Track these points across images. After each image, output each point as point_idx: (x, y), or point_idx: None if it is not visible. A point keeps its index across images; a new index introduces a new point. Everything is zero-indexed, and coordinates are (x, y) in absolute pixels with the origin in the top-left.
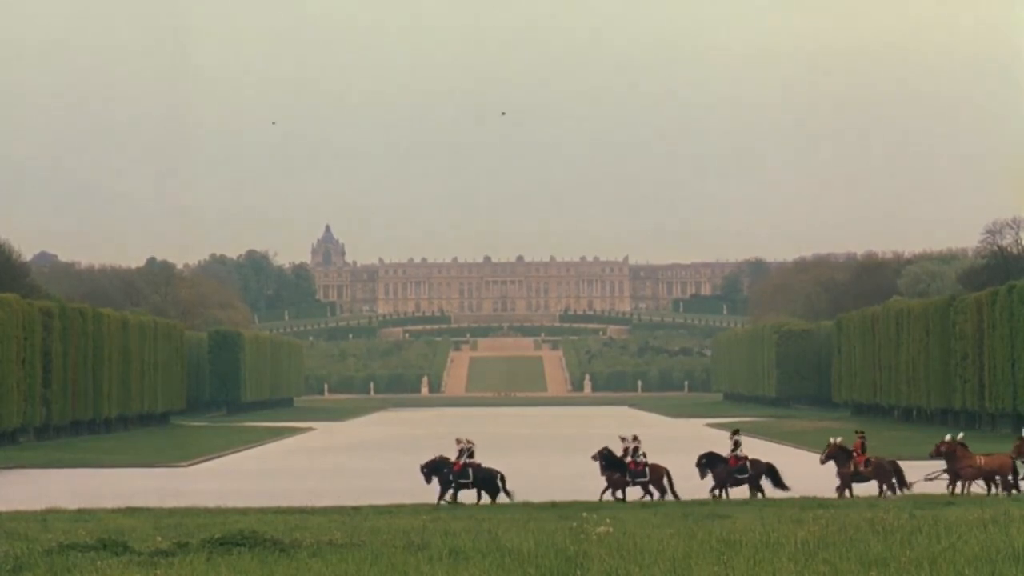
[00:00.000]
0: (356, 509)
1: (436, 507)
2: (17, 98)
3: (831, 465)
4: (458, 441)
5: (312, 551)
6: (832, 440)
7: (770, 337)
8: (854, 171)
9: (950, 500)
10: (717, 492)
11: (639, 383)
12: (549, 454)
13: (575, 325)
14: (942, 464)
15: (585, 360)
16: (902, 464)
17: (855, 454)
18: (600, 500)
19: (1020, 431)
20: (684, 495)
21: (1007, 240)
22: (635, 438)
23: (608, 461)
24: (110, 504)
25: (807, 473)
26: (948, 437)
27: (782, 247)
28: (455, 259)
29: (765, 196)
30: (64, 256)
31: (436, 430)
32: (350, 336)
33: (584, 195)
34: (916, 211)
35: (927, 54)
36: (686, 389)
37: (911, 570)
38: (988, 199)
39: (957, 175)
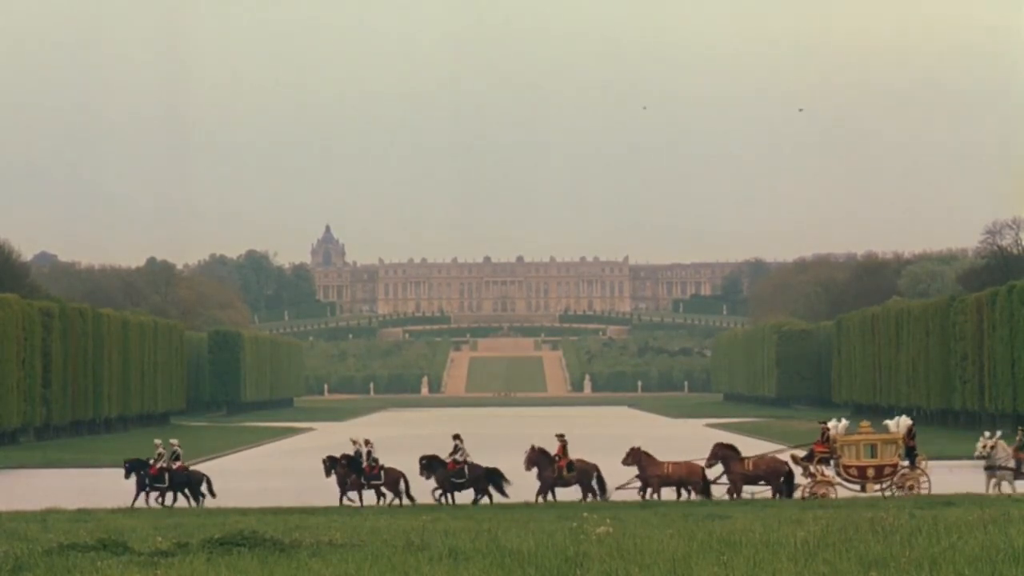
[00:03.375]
0: (356, 509)
1: (131, 508)
2: (17, 98)
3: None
4: (157, 446)
5: (312, 551)
6: (533, 445)
7: (770, 337)
8: (854, 171)
9: (949, 500)
10: (442, 497)
11: (639, 383)
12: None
13: (575, 325)
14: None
15: (585, 360)
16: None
17: (557, 458)
18: (340, 503)
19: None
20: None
21: (1007, 240)
22: (367, 442)
23: (350, 463)
24: (110, 504)
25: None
26: (635, 446)
27: (782, 247)
28: (455, 259)
29: (765, 196)
30: (64, 256)
31: (436, 430)
32: (350, 336)
33: (584, 195)
34: (916, 211)
35: (928, 54)
36: (686, 389)
37: (911, 570)
38: (988, 199)
39: (957, 175)
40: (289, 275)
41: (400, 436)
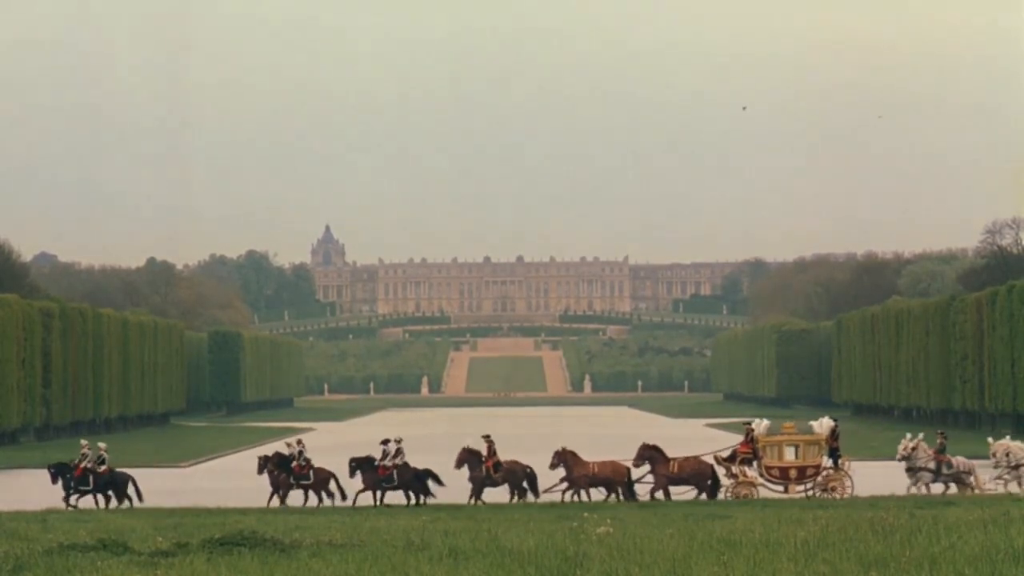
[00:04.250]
0: (356, 509)
1: (66, 508)
2: (17, 98)
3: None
4: (83, 446)
5: (312, 551)
6: (464, 446)
7: (770, 337)
8: (854, 171)
9: (950, 500)
10: (374, 497)
11: (639, 383)
12: (547, 454)
13: (575, 325)
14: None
15: (585, 360)
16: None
17: (485, 458)
18: (268, 505)
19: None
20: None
21: (1007, 240)
22: (299, 442)
23: (280, 462)
24: (110, 504)
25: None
26: (560, 448)
27: (782, 247)
28: (455, 259)
29: (765, 196)
30: (64, 256)
31: (436, 430)
32: (350, 336)
33: (584, 195)
34: (916, 211)
35: (927, 54)
36: (686, 389)
37: (911, 570)
38: (988, 199)
39: (957, 175)
40: (289, 275)
41: (400, 436)
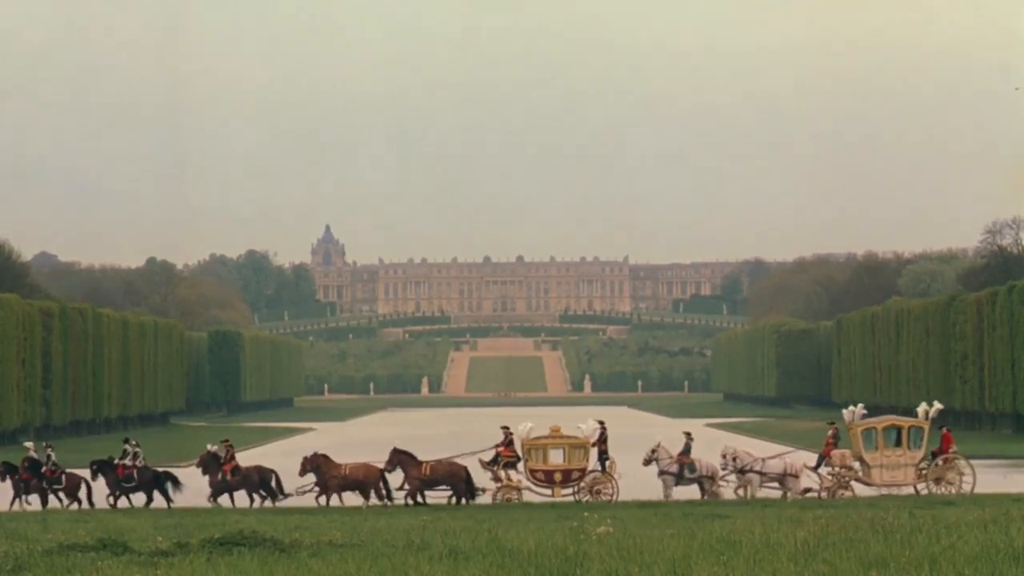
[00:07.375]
0: (356, 509)
1: None
2: (17, 97)
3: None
4: None
5: (312, 551)
6: (209, 447)
7: (770, 337)
8: (854, 171)
9: (949, 500)
10: (112, 499)
11: (639, 383)
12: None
13: (575, 325)
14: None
15: (585, 360)
16: None
17: (223, 462)
18: (10, 508)
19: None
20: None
21: (1007, 240)
22: (48, 445)
23: (31, 466)
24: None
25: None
26: (311, 453)
27: (782, 247)
28: (455, 259)
29: (765, 196)
30: (64, 256)
31: (437, 430)
32: (350, 336)
33: (584, 195)
34: (916, 211)
35: (927, 54)
36: (686, 389)
37: (911, 570)
38: (988, 199)
39: (957, 175)
40: (289, 275)
41: (400, 436)
